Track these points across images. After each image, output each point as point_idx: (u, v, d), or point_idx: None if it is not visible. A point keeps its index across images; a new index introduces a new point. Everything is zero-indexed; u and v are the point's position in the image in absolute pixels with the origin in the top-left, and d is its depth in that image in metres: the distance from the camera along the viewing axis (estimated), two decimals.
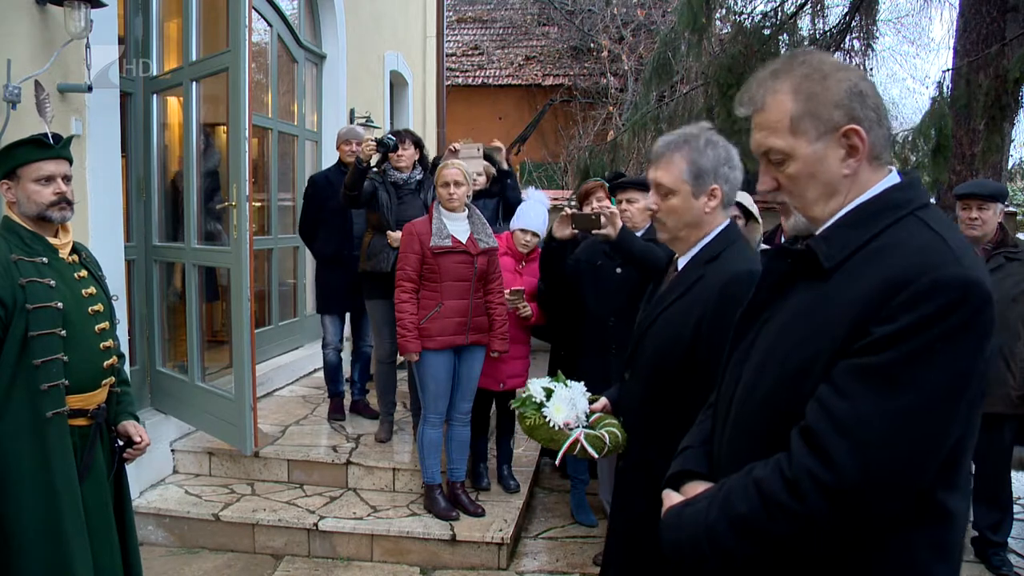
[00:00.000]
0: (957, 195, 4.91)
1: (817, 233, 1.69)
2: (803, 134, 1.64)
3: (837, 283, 1.57)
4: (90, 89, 4.57)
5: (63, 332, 2.91)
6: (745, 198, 4.66)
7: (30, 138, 3.01)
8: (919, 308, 1.43)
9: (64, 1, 4.25)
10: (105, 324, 3.12)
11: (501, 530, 4.81)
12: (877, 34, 10.00)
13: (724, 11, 9.94)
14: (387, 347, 5.72)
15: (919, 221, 1.56)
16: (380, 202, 5.56)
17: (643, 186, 4.45)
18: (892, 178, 1.66)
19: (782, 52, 9.30)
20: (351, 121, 8.85)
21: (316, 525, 4.85)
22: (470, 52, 18.97)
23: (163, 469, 5.48)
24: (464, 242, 4.80)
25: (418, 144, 5.78)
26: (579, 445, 2.67)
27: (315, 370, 7.75)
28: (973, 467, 4.89)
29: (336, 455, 5.53)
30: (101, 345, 3.08)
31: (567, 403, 2.79)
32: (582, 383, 2.94)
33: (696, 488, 1.83)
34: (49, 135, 3.02)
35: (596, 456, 2.70)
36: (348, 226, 6.21)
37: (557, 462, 2.85)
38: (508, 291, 5.02)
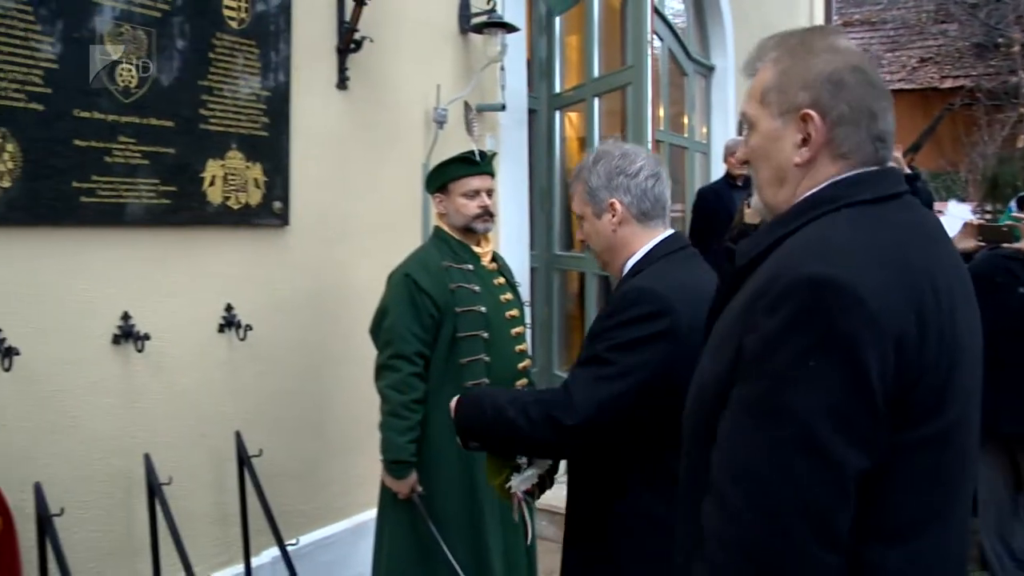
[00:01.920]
0: None
1: None
2: (768, 106, 1.44)
3: (745, 286, 1.36)
4: (503, 108, 4.91)
5: (486, 334, 3.13)
6: None
7: (460, 155, 3.27)
8: (777, 313, 1.21)
9: (484, 29, 4.61)
10: (520, 328, 3.32)
11: None
12: None
13: None
14: None
15: (837, 217, 1.32)
16: None
17: None
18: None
19: None
20: (739, 133, 8.76)
21: None
22: None
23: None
24: None
25: None
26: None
27: None
28: None
29: None
30: (517, 348, 3.28)
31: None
32: None
33: None
34: (476, 152, 3.27)
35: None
36: None
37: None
38: None
